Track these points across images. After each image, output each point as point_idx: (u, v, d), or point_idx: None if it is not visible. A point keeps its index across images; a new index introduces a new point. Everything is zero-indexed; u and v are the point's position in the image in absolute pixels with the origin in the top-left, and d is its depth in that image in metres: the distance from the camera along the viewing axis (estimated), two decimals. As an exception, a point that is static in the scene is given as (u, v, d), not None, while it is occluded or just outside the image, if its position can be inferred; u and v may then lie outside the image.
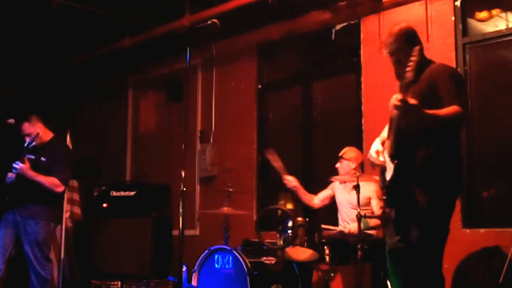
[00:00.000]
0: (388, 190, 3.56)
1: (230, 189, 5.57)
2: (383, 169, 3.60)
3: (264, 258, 5.11)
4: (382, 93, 5.67)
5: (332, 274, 4.86)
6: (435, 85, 3.37)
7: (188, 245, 4.28)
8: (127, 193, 6.31)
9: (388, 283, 4.55)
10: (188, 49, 4.16)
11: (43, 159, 5.09)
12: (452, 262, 4.72)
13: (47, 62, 8.16)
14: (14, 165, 4.99)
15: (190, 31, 6.21)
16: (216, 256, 5.18)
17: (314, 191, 5.87)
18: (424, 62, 3.51)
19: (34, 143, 5.09)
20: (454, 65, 5.13)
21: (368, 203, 5.09)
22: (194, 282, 5.22)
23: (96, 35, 7.54)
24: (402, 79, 3.41)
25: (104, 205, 6.36)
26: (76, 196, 6.91)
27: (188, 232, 6.04)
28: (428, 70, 3.46)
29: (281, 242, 4.67)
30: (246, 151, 6.82)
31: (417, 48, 3.26)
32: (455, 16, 5.39)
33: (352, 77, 6.24)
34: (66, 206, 6.18)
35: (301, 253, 4.67)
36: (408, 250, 3.40)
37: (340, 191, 5.37)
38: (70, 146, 6.01)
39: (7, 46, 7.47)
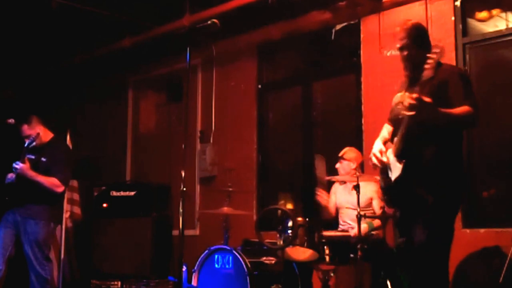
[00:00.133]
0: (393, 190, 3.55)
1: (230, 189, 5.57)
2: (384, 169, 3.59)
3: (264, 258, 5.10)
4: (382, 93, 5.67)
5: (332, 274, 4.86)
6: (445, 85, 3.36)
7: (188, 245, 4.28)
8: (127, 193, 6.31)
9: (388, 283, 4.56)
10: (188, 49, 4.16)
11: (43, 159, 5.09)
12: (452, 262, 4.65)
13: (47, 62, 8.16)
14: (14, 165, 4.99)
15: (190, 31, 6.21)
16: (216, 256, 5.18)
17: (314, 191, 5.87)
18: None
19: (34, 143, 5.09)
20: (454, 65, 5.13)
21: (370, 204, 5.10)
22: (194, 282, 5.21)
23: (96, 35, 7.54)
24: (413, 75, 3.43)
25: (104, 205, 6.36)
26: (76, 196, 6.91)
27: (188, 232, 6.04)
28: (437, 70, 3.45)
29: (281, 242, 4.67)
30: (246, 151, 6.82)
31: (439, 45, 3.26)
32: (455, 16, 5.39)
33: (352, 77, 6.24)
34: (66, 206, 6.17)
35: (301, 253, 4.66)
36: (414, 250, 3.40)
37: (340, 193, 5.37)
38: (70, 146, 6.00)
39: (7, 46, 7.47)
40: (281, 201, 6.82)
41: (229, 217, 5.47)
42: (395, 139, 3.52)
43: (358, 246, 4.44)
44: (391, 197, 3.64)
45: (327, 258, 4.62)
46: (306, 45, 6.75)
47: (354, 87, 6.13)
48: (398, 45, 3.59)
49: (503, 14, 5.37)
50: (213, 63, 7.26)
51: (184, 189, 3.92)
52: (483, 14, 5.43)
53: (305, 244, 4.62)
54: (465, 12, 5.42)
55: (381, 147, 3.62)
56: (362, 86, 5.96)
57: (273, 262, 5.06)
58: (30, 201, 5.02)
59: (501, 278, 4.31)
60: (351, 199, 5.02)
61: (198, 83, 7.37)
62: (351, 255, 4.53)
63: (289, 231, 4.62)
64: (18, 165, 4.98)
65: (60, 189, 5.09)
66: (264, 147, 6.86)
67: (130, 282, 5.86)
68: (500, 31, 5.30)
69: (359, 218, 4.53)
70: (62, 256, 6.20)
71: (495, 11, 5.39)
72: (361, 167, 5.36)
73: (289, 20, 6.48)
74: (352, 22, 6.17)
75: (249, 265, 4.98)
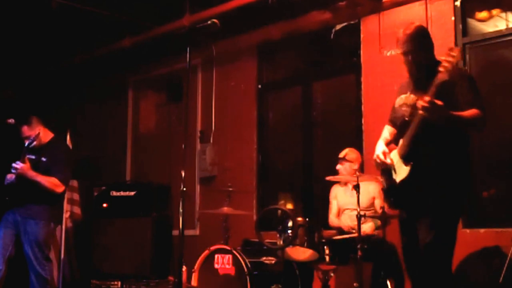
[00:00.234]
0: (397, 192, 3.55)
1: (230, 189, 5.57)
2: (387, 171, 3.59)
3: (264, 258, 5.10)
4: (382, 93, 5.67)
5: (332, 274, 4.86)
6: (452, 87, 3.35)
7: (188, 245, 4.28)
8: (127, 193, 6.31)
9: (388, 283, 4.56)
10: (188, 49, 4.16)
11: (43, 159, 5.09)
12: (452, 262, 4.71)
13: (47, 62, 8.16)
14: (15, 165, 4.98)
15: (190, 31, 6.21)
16: (216, 256, 5.18)
17: (314, 191, 5.88)
18: (435, 64, 3.54)
19: (34, 143, 5.09)
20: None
21: (373, 203, 5.10)
22: (194, 282, 5.21)
23: (96, 35, 7.54)
24: (417, 78, 3.43)
25: (104, 205, 6.36)
26: (76, 196, 6.91)
27: (188, 232, 6.04)
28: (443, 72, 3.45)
29: (281, 242, 4.66)
30: (246, 151, 6.82)
31: (457, 49, 3.25)
32: (455, 16, 5.39)
33: (352, 77, 6.24)
34: (66, 206, 6.17)
35: (301, 253, 4.66)
36: (418, 250, 3.41)
37: (342, 195, 5.36)
38: (70, 146, 6.00)
39: (7, 46, 7.47)
40: (281, 201, 6.83)
41: (229, 217, 5.47)
42: (401, 140, 3.52)
43: (358, 246, 4.44)
44: (395, 199, 3.63)
45: (327, 258, 4.61)
46: (306, 45, 6.75)
47: (354, 87, 6.13)
48: (401, 50, 3.57)
49: (503, 14, 5.37)
50: (213, 63, 7.26)
51: (184, 189, 3.92)
52: (483, 14, 5.43)
53: (305, 244, 4.62)
54: (465, 12, 5.42)
55: (384, 148, 3.63)
56: (362, 86, 5.96)
57: (273, 262, 5.05)
58: (30, 201, 5.02)
59: (501, 278, 4.31)
60: (354, 200, 5.00)
61: (198, 83, 7.37)
62: (351, 255, 4.53)
63: (289, 231, 4.62)
64: (18, 165, 4.97)
65: (60, 189, 5.09)
66: (264, 147, 6.86)
67: (130, 282, 5.86)
68: (500, 31, 5.30)
69: (359, 218, 4.53)
70: (62, 256, 6.20)
71: (495, 11, 5.39)
72: (361, 167, 5.36)
73: (289, 20, 6.48)
74: (352, 22, 6.17)
75: (249, 265, 4.97)
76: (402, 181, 3.46)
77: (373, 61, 5.87)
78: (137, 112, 8.31)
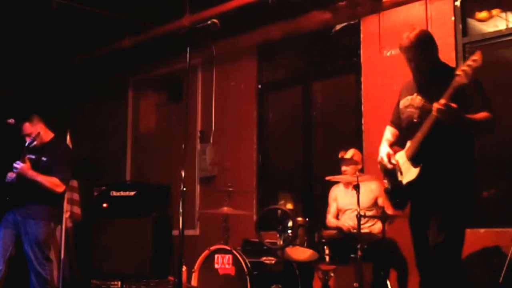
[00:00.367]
0: (404, 193, 3.55)
1: (230, 189, 5.57)
2: (391, 172, 3.59)
3: (264, 258, 5.10)
4: (382, 93, 5.67)
5: (332, 274, 4.86)
6: (463, 90, 3.34)
7: (188, 245, 4.28)
8: (127, 193, 6.31)
9: (388, 283, 4.56)
10: (188, 49, 4.15)
11: (43, 159, 5.09)
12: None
13: (47, 62, 8.16)
14: (15, 165, 4.99)
15: (190, 31, 6.21)
16: (216, 256, 5.18)
17: (314, 191, 5.87)
18: (441, 66, 3.55)
19: (35, 143, 5.09)
20: (454, 65, 5.12)
21: (376, 203, 5.09)
22: (194, 282, 5.21)
23: (96, 35, 7.54)
24: (422, 81, 3.42)
25: (104, 205, 6.35)
26: (76, 196, 6.90)
27: (188, 232, 6.04)
28: (450, 76, 3.44)
29: (281, 242, 4.66)
30: (246, 151, 6.82)
31: (479, 52, 3.24)
32: (455, 16, 5.39)
33: (352, 77, 6.24)
34: (66, 206, 6.17)
35: (301, 253, 4.66)
36: (427, 251, 3.42)
37: (342, 195, 5.35)
38: (70, 146, 6.01)
39: (7, 46, 7.47)
40: (281, 201, 6.83)
41: (229, 217, 5.47)
42: (409, 142, 3.52)
43: (358, 246, 4.44)
44: (400, 200, 3.63)
45: (327, 258, 4.61)
46: (306, 45, 6.75)
47: (354, 87, 6.13)
48: (405, 57, 3.55)
49: (503, 14, 5.37)
50: (213, 63, 7.26)
51: (184, 189, 3.91)
52: (483, 14, 5.43)
53: (305, 244, 4.62)
54: (465, 12, 5.42)
55: (389, 150, 3.64)
56: (362, 86, 5.96)
57: (273, 262, 5.05)
58: (30, 201, 5.02)
59: (501, 278, 4.31)
60: (355, 200, 4.98)
61: (198, 83, 7.37)
62: (351, 255, 4.53)
63: (289, 231, 4.62)
64: (19, 165, 4.98)
65: (61, 188, 5.09)
66: (264, 147, 6.86)
67: (130, 282, 5.86)
68: (500, 31, 5.30)
69: (359, 217, 4.53)
70: (62, 256, 6.20)
71: (495, 11, 5.39)
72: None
73: (289, 20, 6.48)
74: (352, 22, 6.17)
75: (249, 265, 4.97)
76: (410, 182, 3.46)
77: (373, 61, 5.87)
78: (137, 112, 8.31)
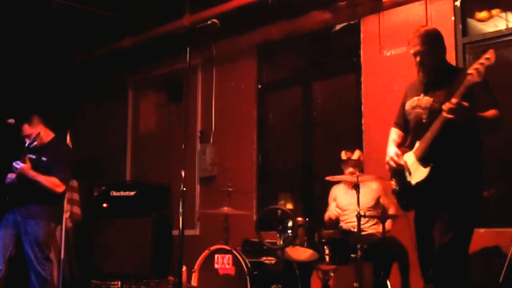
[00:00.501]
0: (413, 193, 3.54)
1: (230, 189, 5.57)
2: (399, 173, 3.59)
3: (264, 258, 5.10)
4: (382, 93, 5.67)
5: (332, 274, 4.86)
6: (471, 90, 3.34)
7: (188, 245, 4.28)
8: (127, 193, 6.31)
9: (388, 283, 4.56)
10: (188, 49, 4.16)
11: (44, 159, 5.09)
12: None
13: (47, 62, 8.16)
14: (15, 165, 4.99)
15: (190, 31, 6.22)
16: (216, 256, 5.18)
17: (314, 191, 5.86)
18: (448, 67, 3.54)
19: (35, 143, 5.09)
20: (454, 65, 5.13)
21: (378, 203, 5.09)
22: (194, 282, 5.21)
23: (96, 35, 7.54)
24: (428, 80, 3.43)
25: (104, 205, 6.35)
26: (76, 196, 6.90)
27: (188, 232, 6.04)
28: (459, 75, 3.42)
29: (281, 242, 4.66)
30: (246, 151, 6.82)
31: (492, 51, 3.26)
32: (455, 16, 5.39)
33: (352, 77, 6.24)
34: (66, 206, 6.17)
35: (301, 253, 4.66)
36: (432, 251, 3.42)
37: (343, 195, 5.34)
38: (70, 146, 6.01)
39: (7, 46, 7.47)
40: (281, 201, 6.83)
41: (229, 217, 5.47)
42: (418, 143, 3.51)
43: (358, 246, 4.44)
44: (409, 200, 3.63)
45: (327, 258, 4.61)
46: (306, 45, 6.75)
47: (354, 87, 6.13)
48: (411, 51, 3.57)
49: (503, 14, 5.37)
50: (213, 63, 7.26)
51: (184, 189, 3.92)
52: (483, 14, 5.43)
53: (305, 244, 4.61)
54: (465, 12, 5.42)
55: (397, 150, 3.63)
56: (362, 86, 5.96)
57: (273, 262, 5.05)
58: (30, 201, 5.02)
59: (501, 278, 4.31)
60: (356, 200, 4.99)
61: (198, 83, 7.37)
62: (351, 255, 4.53)
63: (289, 231, 4.61)
64: (19, 165, 4.98)
65: (61, 188, 5.09)
66: (264, 147, 6.86)
67: (130, 282, 5.86)
68: (500, 31, 5.29)
69: (359, 217, 4.53)
70: (62, 256, 6.20)
71: (495, 11, 5.39)
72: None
73: (289, 20, 6.48)
74: (352, 22, 6.17)
75: (249, 265, 4.97)
76: (419, 183, 3.45)
77: (373, 61, 5.87)
78: (137, 112, 8.31)
